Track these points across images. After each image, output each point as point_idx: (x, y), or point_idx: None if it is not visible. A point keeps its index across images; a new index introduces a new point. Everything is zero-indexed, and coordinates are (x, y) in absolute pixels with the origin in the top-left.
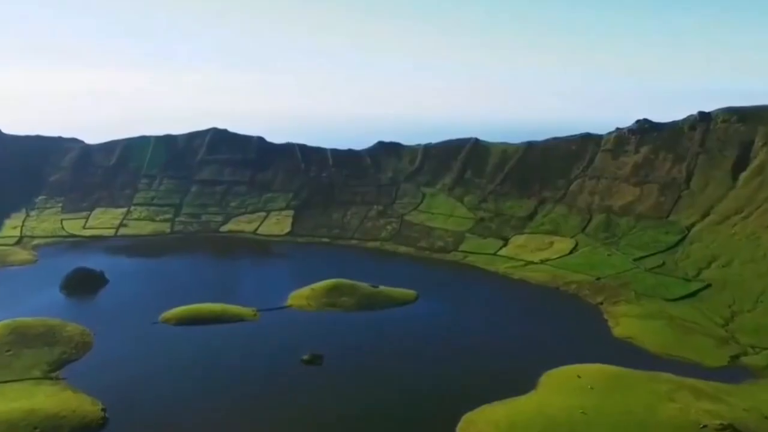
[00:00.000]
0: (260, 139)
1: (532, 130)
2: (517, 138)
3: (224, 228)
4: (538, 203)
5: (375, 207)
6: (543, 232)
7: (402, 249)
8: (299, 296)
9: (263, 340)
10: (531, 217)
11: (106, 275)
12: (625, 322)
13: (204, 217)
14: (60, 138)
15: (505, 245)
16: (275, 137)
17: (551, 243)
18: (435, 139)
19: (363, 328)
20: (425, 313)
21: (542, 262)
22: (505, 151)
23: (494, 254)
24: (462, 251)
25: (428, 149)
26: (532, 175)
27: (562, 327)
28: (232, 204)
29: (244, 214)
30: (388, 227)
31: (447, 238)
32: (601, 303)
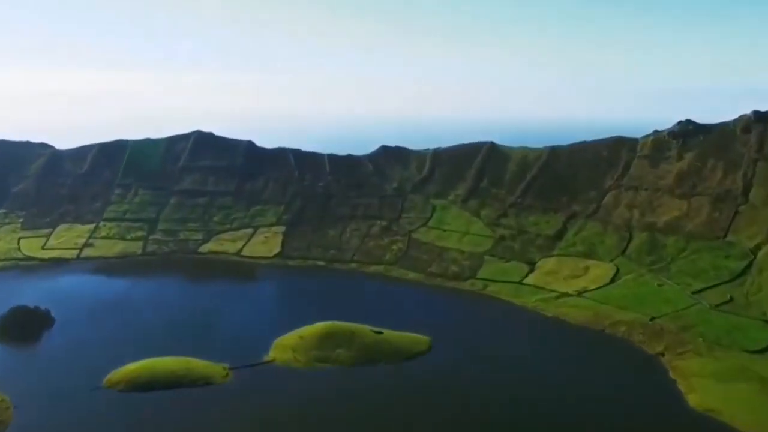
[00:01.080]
0: (249, 144)
1: (553, 132)
2: (537, 141)
3: (204, 248)
4: (567, 219)
5: (378, 222)
6: (575, 255)
7: (410, 275)
8: (284, 346)
9: (232, 416)
10: (560, 235)
11: (53, 314)
12: (701, 386)
13: (182, 235)
14: (28, 143)
15: (531, 271)
16: (268, 141)
17: (586, 268)
18: (444, 142)
19: (363, 395)
20: (442, 369)
21: (579, 293)
22: (526, 156)
23: (520, 282)
24: (481, 278)
25: (438, 154)
26: (559, 184)
27: (620, 391)
28: (215, 219)
29: (228, 230)
30: (394, 247)
31: (462, 262)
32: (663, 354)
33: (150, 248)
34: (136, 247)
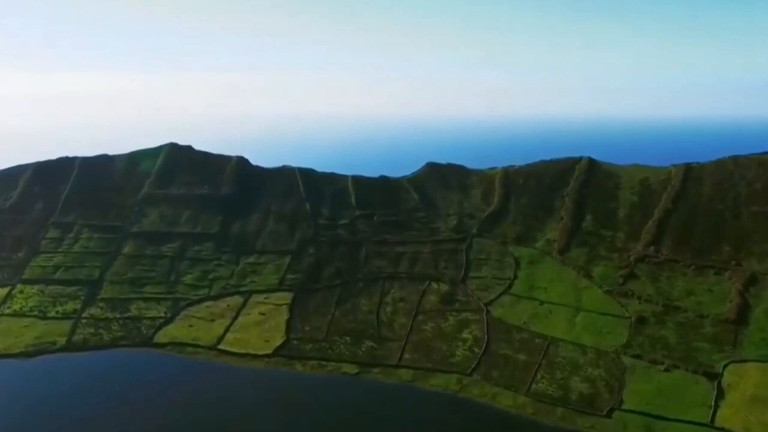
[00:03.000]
0: (241, 162)
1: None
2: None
3: (165, 333)
4: (746, 283)
5: (434, 286)
6: None
7: (501, 397)
8: None
9: None
10: (742, 315)
11: None
12: None
13: (134, 309)
14: None
15: (720, 393)
16: (267, 155)
17: None
18: (506, 156)
19: None
20: None
21: None
22: (647, 179)
23: (709, 425)
24: (631, 411)
25: (511, 175)
26: (712, 224)
27: None
28: (187, 279)
29: (204, 300)
30: (465, 335)
31: (588, 370)
32: None
33: (80, 334)
34: (59, 333)
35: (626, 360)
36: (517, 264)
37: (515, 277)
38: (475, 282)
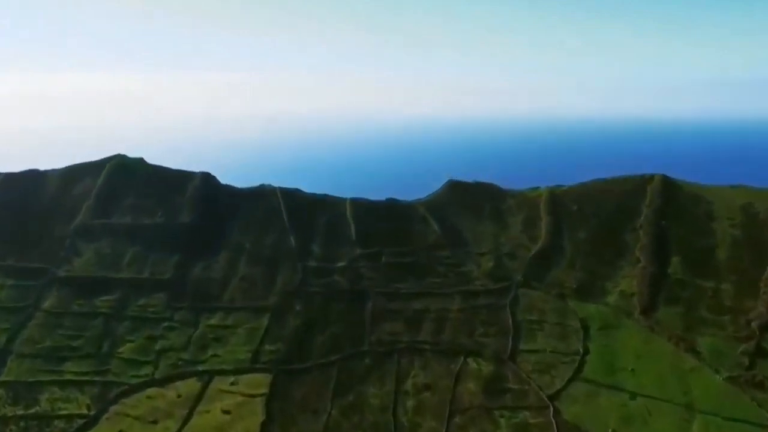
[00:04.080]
0: (205, 179)
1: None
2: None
3: None
4: None
5: (470, 363)
6: None
7: None
8: None
9: None
10: None
11: None
12: None
13: (45, 401)
14: None
15: None
16: (238, 172)
17: None
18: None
19: None
20: None
21: None
22: (752, 207)
23: None
24: None
25: (558, 198)
26: None
27: None
28: (125, 349)
29: (146, 385)
30: None
31: None
32: None
33: None
34: None
35: None
36: (585, 330)
37: (586, 351)
38: (531, 359)
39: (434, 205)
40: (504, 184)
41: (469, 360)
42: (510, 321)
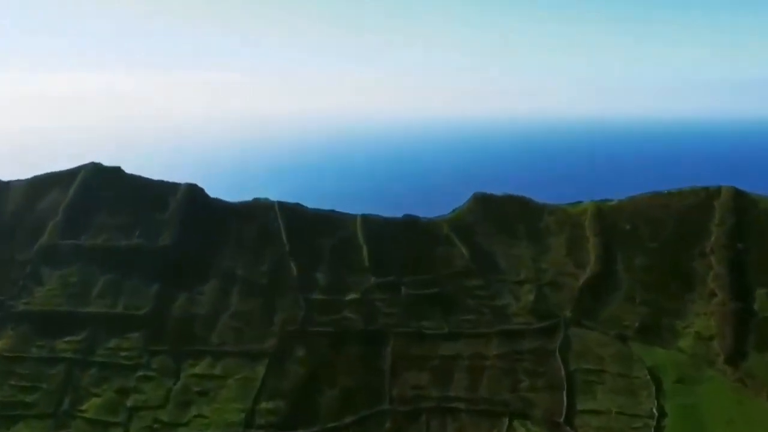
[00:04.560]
0: (192, 192)
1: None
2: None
3: None
4: None
5: (513, 427)
6: None
7: None
8: None
9: None
10: None
11: None
12: None
13: None
14: None
15: None
16: (230, 185)
17: None
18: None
19: None
20: None
21: None
22: None
23: None
24: None
25: (606, 215)
26: None
27: None
28: (89, 407)
29: None
30: None
31: None
32: None
33: None
34: None
35: None
36: (657, 383)
37: (661, 412)
38: (592, 422)
39: (460, 224)
40: (508, 189)
41: (515, 423)
42: (562, 371)
